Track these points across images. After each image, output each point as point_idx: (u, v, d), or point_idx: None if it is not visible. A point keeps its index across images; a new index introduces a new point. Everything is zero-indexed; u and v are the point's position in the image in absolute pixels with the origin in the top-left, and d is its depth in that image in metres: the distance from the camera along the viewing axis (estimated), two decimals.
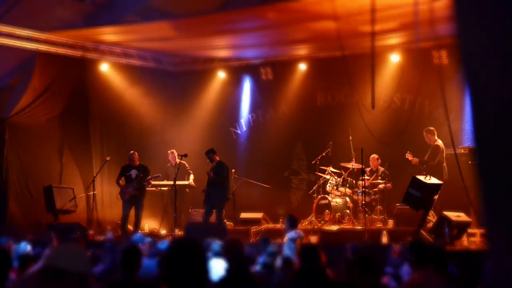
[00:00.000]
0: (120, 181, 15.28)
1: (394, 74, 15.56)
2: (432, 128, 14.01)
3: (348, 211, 14.58)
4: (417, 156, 13.93)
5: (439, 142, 13.84)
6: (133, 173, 15.19)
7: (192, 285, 3.04)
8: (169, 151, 16.48)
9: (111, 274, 6.41)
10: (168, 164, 16.53)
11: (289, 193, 17.25)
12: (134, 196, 15.00)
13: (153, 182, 16.19)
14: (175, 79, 18.01)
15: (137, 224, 15.11)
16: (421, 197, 12.23)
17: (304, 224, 14.81)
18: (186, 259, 3.06)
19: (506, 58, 2.54)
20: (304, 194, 16.85)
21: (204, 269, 3.08)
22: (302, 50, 16.73)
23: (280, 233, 13.64)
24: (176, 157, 16.05)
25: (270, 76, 17.43)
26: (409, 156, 13.90)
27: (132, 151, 15.47)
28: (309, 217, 14.99)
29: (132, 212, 15.12)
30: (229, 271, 4.75)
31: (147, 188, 15.40)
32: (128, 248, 5.95)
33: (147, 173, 15.18)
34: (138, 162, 15.33)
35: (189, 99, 17.87)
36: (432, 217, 12.95)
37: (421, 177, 12.50)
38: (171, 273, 3.08)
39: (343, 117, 15.82)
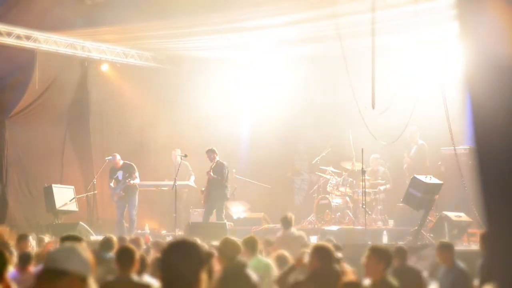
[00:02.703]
0: (112, 184, 15.35)
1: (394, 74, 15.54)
2: (416, 127, 14.20)
3: (348, 211, 14.57)
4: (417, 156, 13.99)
5: (423, 141, 14.21)
6: (120, 174, 15.29)
7: (189, 285, 3.04)
8: (173, 151, 16.48)
9: None
10: (170, 164, 16.55)
11: (291, 193, 17.28)
12: (123, 197, 15.12)
13: (153, 183, 16.23)
14: (176, 78, 18.00)
15: (131, 223, 15.15)
16: (421, 197, 12.23)
17: (304, 224, 14.82)
18: (182, 259, 3.06)
19: (505, 58, 2.54)
20: (305, 194, 16.86)
21: (200, 270, 3.07)
22: (302, 50, 16.71)
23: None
24: (178, 156, 16.05)
25: (270, 76, 17.43)
26: (406, 159, 14.18)
27: (113, 154, 15.53)
28: (310, 217, 15.00)
29: (126, 213, 15.29)
30: (226, 271, 4.76)
31: (139, 187, 15.44)
32: (122, 247, 5.95)
33: (131, 171, 15.23)
34: (120, 163, 15.36)
35: (190, 98, 17.84)
36: (432, 217, 12.95)
37: (422, 177, 12.51)
38: (167, 274, 3.08)
39: (343, 117, 15.80)
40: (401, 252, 7.56)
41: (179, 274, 3.04)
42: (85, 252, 3.08)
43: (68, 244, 3.16)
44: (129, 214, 15.23)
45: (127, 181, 15.11)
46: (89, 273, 3.02)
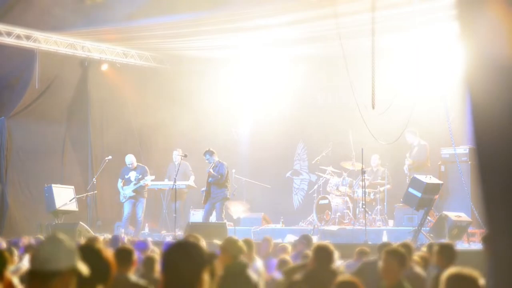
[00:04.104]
0: (121, 184, 15.39)
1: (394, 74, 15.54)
2: (414, 129, 14.18)
3: (348, 211, 14.57)
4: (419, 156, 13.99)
5: (425, 142, 14.18)
6: (132, 175, 15.32)
7: (190, 286, 3.05)
8: (173, 151, 16.50)
9: None
10: (171, 164, 16.56)
11: (291, 193, 17.28)
12: (132, 198, 15.13)
13: (153, 183, 16.23)
14: (176, 78, 18.00)
15: (137, 225, 15.23)
16: (421, 197, 12.23)
17: (304, 224, 14.83)
18: (183, 260, 3.06)
19: (506, 58, 2.54)
20: (305, 194, 16.87)
21: (201, 270, 3.08)
22: (302, 50, 16.72)
23: (279, 233, 13.69)
24: (178, 156, 16.04)
25: (270, 76, 17.44)
26: (408, 159, 14.18)
27: (128, 154, 15.58)
28: (309, 217, 15.00)
29: (133, 214, 15.30)
30: (227, 270, 4.76)
31: (147, 188, 15.50)
32: (121, 247, 5.96)
33: (144, 174, 15.29)
34: (135, 165, 15.44)
35: (190, 98, 17.85)
36: (432, 217, 12.95)
37: (421, 177, 12.51)
38: (169, 274, 3.09)
39: (343, 117, 15.79)
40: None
41: (181, 274, 3.05)
42: (72, 244, 3.02)
43: (50, 238, 3.05)
44: (137, 215, 15.31)
45: (145, 178, 15.21)
46: (77, 261, 2.98)
